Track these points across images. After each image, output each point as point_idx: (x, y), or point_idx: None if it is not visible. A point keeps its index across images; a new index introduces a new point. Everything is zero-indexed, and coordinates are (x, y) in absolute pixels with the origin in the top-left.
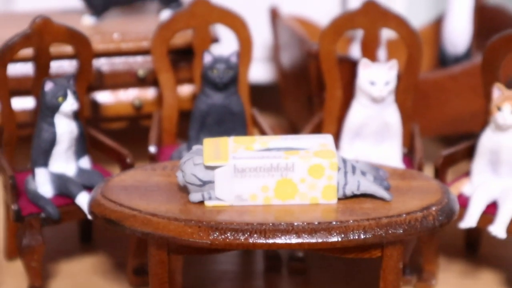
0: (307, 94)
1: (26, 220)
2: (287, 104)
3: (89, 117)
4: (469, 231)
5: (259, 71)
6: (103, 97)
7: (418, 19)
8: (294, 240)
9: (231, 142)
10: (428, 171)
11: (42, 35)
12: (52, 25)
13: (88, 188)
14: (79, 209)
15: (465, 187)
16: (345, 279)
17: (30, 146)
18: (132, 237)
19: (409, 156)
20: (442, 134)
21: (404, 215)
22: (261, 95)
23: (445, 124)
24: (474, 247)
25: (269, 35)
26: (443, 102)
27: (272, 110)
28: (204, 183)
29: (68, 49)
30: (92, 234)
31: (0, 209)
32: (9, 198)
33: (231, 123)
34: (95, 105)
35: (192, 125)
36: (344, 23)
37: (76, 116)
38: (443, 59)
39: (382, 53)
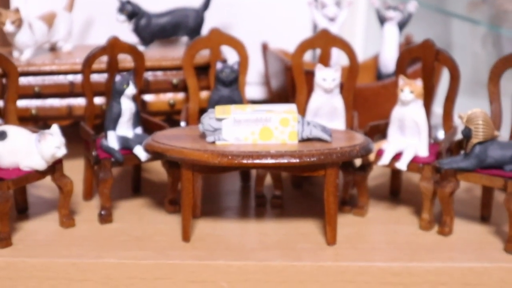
0: (285, 99)
1: (102, 162)
2: None
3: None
4: (393, 183)
5: (255, 91)
6: (149, 98)
7: (371, 51)
8: (270, 161)
9: (233, 108)
10: None
11: (113, 48)
12: (120, 41)
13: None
14: (135, 156)
15: (383, 144)
16: (311, 211)
17: (101, 131)
18: (169, 178)
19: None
20: None
21: (339, 148)
22: None
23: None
24: (396, 194)
25: (262, 65)
26: (378, 105)
27: None
28: (216, 130)
29: (128, 64)
30: (140, 187)
31: (80, 168)
32: (91, 149)
33: None
34: (143, 103)
35: (208, 109)
36: (307, 44)
37: (134, 99)
38: (379, 76)
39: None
